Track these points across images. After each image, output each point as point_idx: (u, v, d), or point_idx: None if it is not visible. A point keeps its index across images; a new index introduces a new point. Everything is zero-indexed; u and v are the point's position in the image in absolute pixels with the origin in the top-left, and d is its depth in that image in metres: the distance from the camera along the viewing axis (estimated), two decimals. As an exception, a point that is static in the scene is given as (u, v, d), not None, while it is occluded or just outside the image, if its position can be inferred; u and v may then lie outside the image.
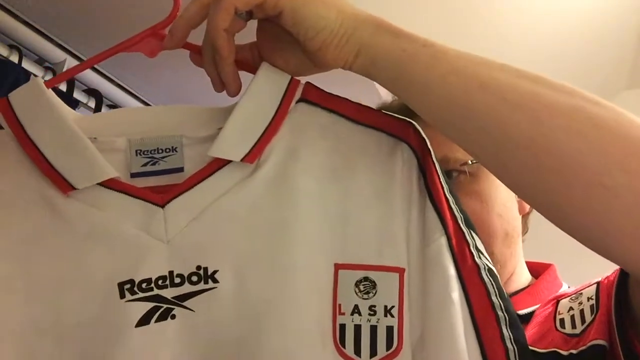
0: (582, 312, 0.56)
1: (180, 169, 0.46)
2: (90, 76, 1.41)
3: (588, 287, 0.59)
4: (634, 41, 1.92)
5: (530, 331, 0.60)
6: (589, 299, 0.57)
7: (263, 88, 0.46)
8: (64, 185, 0.43)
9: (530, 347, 0.57)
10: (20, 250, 0.42)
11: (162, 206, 0.43)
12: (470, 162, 0.65)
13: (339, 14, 0.44)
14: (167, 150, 0.46)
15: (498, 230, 0.65)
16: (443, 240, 0.43)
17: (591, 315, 0.54)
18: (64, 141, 0.44)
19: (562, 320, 0.57)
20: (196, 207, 0.43)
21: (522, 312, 0.64)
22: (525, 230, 0.72)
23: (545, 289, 0.68)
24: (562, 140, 0.39)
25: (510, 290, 0.67)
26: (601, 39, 1.80)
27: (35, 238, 0.43)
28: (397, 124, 0.46)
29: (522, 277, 0.70)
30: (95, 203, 0.43)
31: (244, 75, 0.49)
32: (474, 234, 0.45)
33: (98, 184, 0.43)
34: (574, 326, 0.55)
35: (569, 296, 0.61)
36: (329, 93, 0.47)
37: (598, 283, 0.58)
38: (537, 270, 0.73)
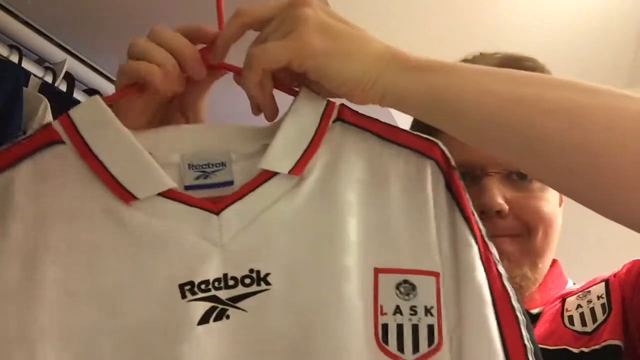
0: (592, 310, 0.57)
1: (230, 182, 0.49)
2: (90, 76, 1.41)
3: (595, 284, 0.59)
4: (634, 41, 1.93)
5: (539, 329, 0.60)
6: (599, 297, 0.58)
7: (304, 109, 0.50)
8: (127, 196, 0.45)
9: (540, 345, 0.58)
10: (85, 259, 0.44)
11: (217, 213, 0.46)
12: None
13: (362, 63, 0.46)
14: (217, 165, 0.50)
15: (552, 241, 0.66)
16: (475, 249, 0.46)
17: (603, 314, 0.55)
18: (125, 154, 0.46)
19: (570, 318, 0.58)
20: (248, 214, 0.46)
21: (534, 311, 0.65)
22: None
23: (552, 286, 0.69)
24: (602, 138, 0.41)
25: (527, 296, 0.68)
26: (601, 39, 1.81)
27: (100, 246, 0.45)
28: (423, 143, 0.50)
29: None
30: (155, 212, 0.46)
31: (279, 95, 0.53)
32: (493, 246, 0.48)
33: (158, 194, 0.46)
34: (584, 324, 0.56)
35: (575, 294, 0.61)
36: (361, 114, 0.51)
37: (606, 281, 0.58)
38: None
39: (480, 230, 0.47)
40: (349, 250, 0.46)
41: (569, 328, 0.57)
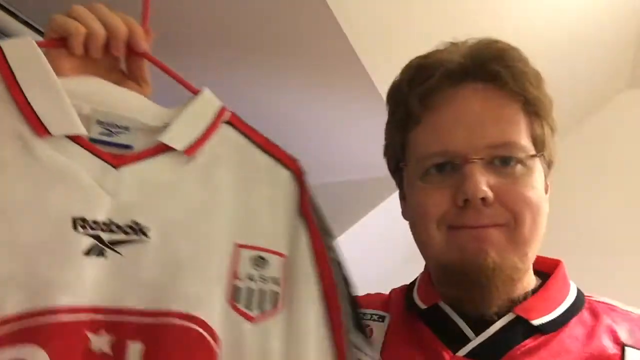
0: None
1: (130, 147, 0.57)
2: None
3: None
4: (634, 41, 1.92)
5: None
6: None
7: (203, 105, 0.61)
8: (40, 129, 0.51)
9: None
10: None
11: (116, 168, 0.54)
12: (535, 155, 0.63)
13: None
14: (122, 127, 0.57)
15: (539, 229, 0.63)
16: (307, 239, 0.59)
17: None
18: (47, 91, 0.52)
19: None
20: (142, 176, 0.55)
21: (536, 322, 0.62)
22: None
23: (558, 294, 0.66)
24: None
25: (520, 292, 0.65)
26: (601, 39, 1.80)
27: (5, 164, 0.49)
28: (288, 158, 0.63)
29: (531, 277, 0.67)
30: (62, 150, 0.52)
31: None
32: (327, 237, 0.60)
33: (68, 136, 0.52)
34: None
35: (631, 339, 0.60)
36: (247, 124, 0.63)
37: None
38: (544, 265, 0.69)
39: (315, 226, 0.60)
40: (218, 224, 0.56)
41: None
